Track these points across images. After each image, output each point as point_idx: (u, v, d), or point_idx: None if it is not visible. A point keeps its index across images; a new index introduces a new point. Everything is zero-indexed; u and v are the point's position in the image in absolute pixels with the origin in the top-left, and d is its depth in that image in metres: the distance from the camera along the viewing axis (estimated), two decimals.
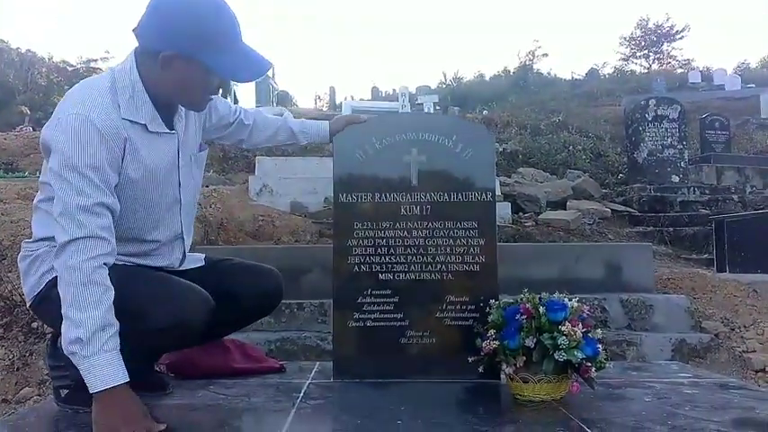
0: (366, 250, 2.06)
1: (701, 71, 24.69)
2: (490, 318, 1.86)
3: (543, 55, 30.25)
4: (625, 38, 32.72)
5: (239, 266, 2.00)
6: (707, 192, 8.75)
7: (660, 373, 2.22)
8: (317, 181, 6.33)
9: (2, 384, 2.92)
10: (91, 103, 1.54)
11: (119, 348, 1.44)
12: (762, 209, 7.39)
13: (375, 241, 2.06)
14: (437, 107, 17.76)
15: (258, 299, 1.97)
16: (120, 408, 1.41)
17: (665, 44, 31.79)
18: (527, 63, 28.44)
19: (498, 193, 6.65)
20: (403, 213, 2.08)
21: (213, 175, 7.63)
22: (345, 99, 22.38)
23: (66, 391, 1.70)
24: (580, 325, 1.71)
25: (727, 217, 6.09)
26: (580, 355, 1.67)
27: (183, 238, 1.84)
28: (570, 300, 1.77)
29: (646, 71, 29.01)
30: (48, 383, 2.81)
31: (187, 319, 1.63)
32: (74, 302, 1.43)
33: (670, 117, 9.24)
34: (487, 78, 29.73)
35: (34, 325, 3.14)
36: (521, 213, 6.98)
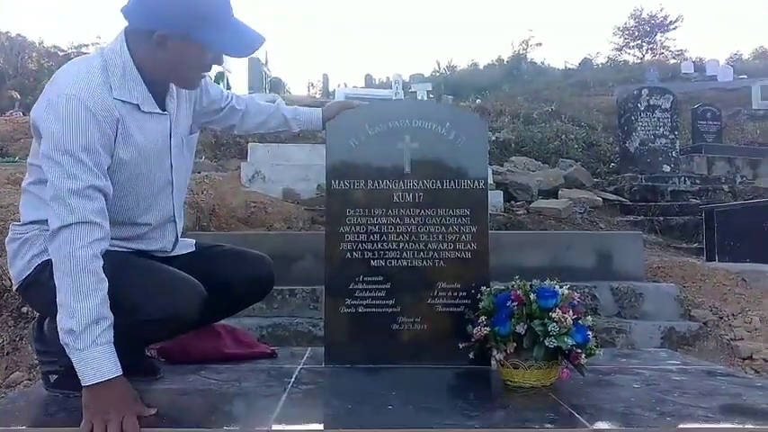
0: (358, 237, 2.06)
1: (693, 62, 24.71)
2: (481, 304, 1.86)
3: (537, 44, 30.18)
4: (618, 28, 32.77)
5: (230, 252, 1.99)
6: (698, 181, 8.80)
7: (649, 360, 2.25)
8: (309, 168, 6.31)
9: None
10: (82, 83, 1.52)
11: (112, 341, 1.43)
12: (751, 199, 7.44)
13: (367, 228, 2.06)
14: (430, 95, 17.69)
15: (249, 285, 1.97)
16: (111, 394, 1.40)
17: (659, 34, 31.82)
18: (521, 52, 28.40)
19: (490, 181, 6.67)
20: (395, 200, 2.08)
21: (205, 162, 7.59)
22: (339, 86, 22.27)
23: (55, 377, 1.69)
24: (570, 312, 1.72)
25: (717, 206, 6.14)
26: (570, 341, 1.68)
27: (175, 221, 1.83)
28: (561, 287, 1.78)
29: (639, 61, 29.03)
30: (38, 368, 2.80)
31: (180, 312, 1.62)
32: (68, 292, 1.42)
33: (662, 107, 9.27)
34: (481, 67, 29.66)
35: (24, 309, 3.12)
36: (512, 202, 7.00)
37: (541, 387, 1.75)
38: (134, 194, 1.67)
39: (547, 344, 1.67)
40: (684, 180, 8.73)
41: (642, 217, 7.33)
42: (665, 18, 31.58)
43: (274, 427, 1.42)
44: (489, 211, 2.27)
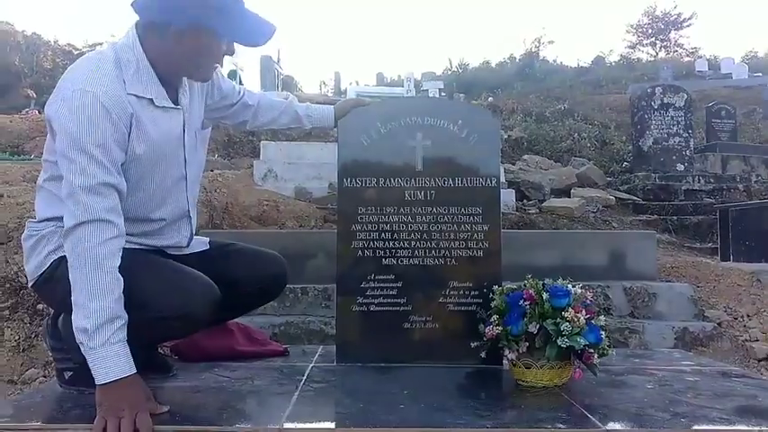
0: (370, 235, 2.06)
1: (708, 60, 24.44)
2: (493, 303, 1.86)
3: (549, 42, 30.07)
4: (632, 25, 32.45)
5: (244, 251, 2.00)
6: (712, 181, 8.71)
7: (663, 360, 2.23)
8: (321, 167, 6.32)
9: (8, 365, 2.94)
10: (96, 78, 1.52)
11: (126, 339, 1.44)
12: (767, 198, 7.35)
13: (379, 226, 2.06)
14: (442, 93, 17.64)
15: (263, 284, 1.98)
16: (124, 392, 1.41)
17: (673, 32, 31.50)
18: (533, 50, 28.26)
19: (502, 180, 6.63)
20: (407, 198, 2.07)
21: (218, 160, 7.62)
22: (350, 85, 22.30)
23: (69, 373, 1.71)
24: (583, 311, 1.71)
25: (731, 206, 6.07)
26: (583, 341, 1.67)
27: (189, 216, 1.84)
28: (573, 286, 1.77)
29: (652, 59, 28.75)
30: (53, 365, 2.83)
31: (193, 311, 1.63)
32: (82, 290, 1.43)
33: (676, 105, 9.18)
34: (493, 65, 29.50)
35: (39, 306, 3.15)
36: (525, 201, 6.97)
37: (554, 387, 1.74)
38: (148, 189, 1.67)
39: (559, 343, 1.67)
40: (698, 179, 8.64)
41: (655, 216, 7.27)
42: (679, 15, 31.27)
43: (286, 425, 1.43)
44: (501, 210, 2.26)
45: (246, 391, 1.72)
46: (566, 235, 4.97)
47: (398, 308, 2.05)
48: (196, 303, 1.63)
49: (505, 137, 10.04)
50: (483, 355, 1.89)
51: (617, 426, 1.47)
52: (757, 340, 3.49)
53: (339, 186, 2.12)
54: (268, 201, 5.45)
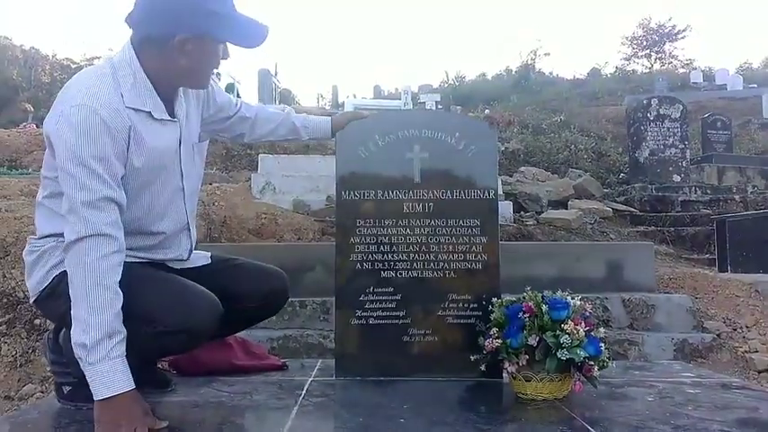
0: (368, 248, 2.05)
1: (702, 71, 24.57)
2: (492, 316, 1.85)
3: (545, 54, 30.31)
4: (627, 37, 32.61)
5: (246, 266, 1.99)
6: (708, 192, 8.75)
7: (662, 372, 2.22)
8: (319, 179, 6.33)
9: (5, 381, 2.92)
10: (93, 93, 1.52)
11: (125, 355, 1.43)
12: (763, 209, 7.38)
13: (377, 239, 2.06)
14: (439, 106, 17.70)
15: (264, 299, 1.96)
16: (123, 408, 1.41)
17: (667, 44, 31.67)
18: (529, 62, 28.36)
19: (500, 192, 6.65)
20: (405, 211, 2.07)
21: (216, 173, 7.64)
22: (348, 98, 22.34)
23: (68, 388, 1.70)
24: (583, 323, 1.71)
25: (728, 217, 6.09)
26: (583, 353, 1.67)
27: (189, 229, 1.84)
28: (573, 298, 1.77)
29: (647, 71, 28.92)
30: (50, 380, 2.81)
31: (196, 325, 1.62)
32: (81, 305, 1.42)
33: (672, 116, 9.24)
34: (489, 77, 29.67)
35: (37, 321, 3.14)
36: (522, 212, 6.99)
37: (554, 400, 1.74)
38: (147, 202, 1.67)
39: (559, 356, 1.66)
40: (695, 190, 8.68)
41: (653, 227, 7.29)
42: (674, 27, 31.44)
43: None
44: (499, 222, 2.26)
45: (245, 406, 1.71)
46: (564, 247, 4.97)
47: (397, 321, 2.04)
48: (199, 317, 1.62)
49: (502, 149, 10.08)
50: (483, 368, 1.88)
51: None
52: (757, 351, 3.48)
53: (337, 199, 2.12)
54: (266, 214, 5.45)
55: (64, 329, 1.69)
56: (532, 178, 8.95)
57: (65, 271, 1.50)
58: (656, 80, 20.24)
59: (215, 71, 1.79)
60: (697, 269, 5.17)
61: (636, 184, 8.83)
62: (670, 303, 3.65)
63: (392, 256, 2.06)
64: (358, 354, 2.05)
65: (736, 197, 8.49)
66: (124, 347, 1.44)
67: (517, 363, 1.73)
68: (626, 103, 15.04)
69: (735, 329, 3.70)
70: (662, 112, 9.24)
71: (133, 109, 1.58)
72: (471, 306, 2.03)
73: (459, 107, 17.65)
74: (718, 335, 3.56)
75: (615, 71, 28.02)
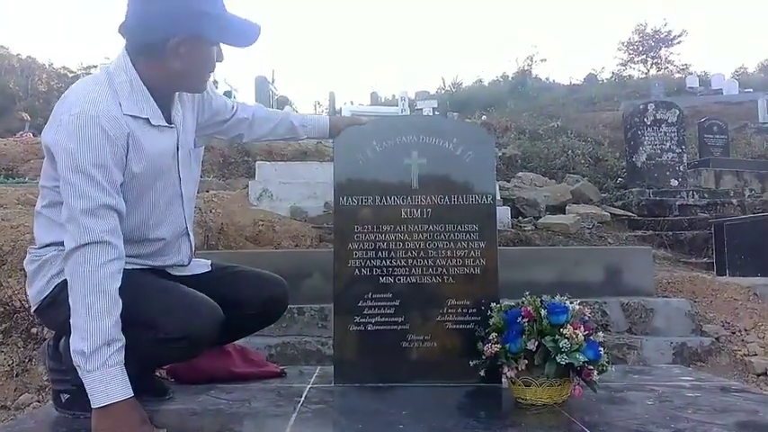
0: (367, 254, 2.05)
1: (698, 76, 24.67)
2: (491, 321, 1.85)
3: (542, 60, 30.31)
4: (623, 43, 32.78)
5: (246, 273, 1.99)
6: (706, 196, 8.76)
7: (662, 376, 2.22)
8: (316, 186, 6.33)
9: (1, 390, 2.91)
10: (91, 101, 1.53)
11: (123, 363, 1.43)
12: (760, 212, 7.39)
13: (376, 245, 2.05)
14: (436, 112, 17.74)
15: (264, 306, 1.96)
16: (121, 415, 1.40)
17: (663, 49, 31.83)
18: (525, 68, 28.48)
19: (498, 197, 6.66)
20: (404, 216, 2.07)
21: (213, 180, 7.63)
22: (345, 104, 22.39)
23: (66, 396, 1.69)
24: (582, 328, 1.71)
25: (726, 220, 6.10)
26: (582, 357, 1.66)
27: (188, 234, 1.83)
28: (571, 303, 1.77)
29: (644, 76, 29.03)
30: (47, 390, 2.80)
31: (198, 331, 1.61)
32: (80, 313, 1.42)
33: (669, 121, 9.26)
34: (486, 84, 29.70)
35: (34, 330, 3.13)
36: (520, 218, 6.99)
37: (553, 404, 1.73)
38: (145, 209, 1.67)
39: (558, 360, 1.66)
40: (692, 194, 8.68)
41: (651, 232, 7.29)
42: (669, 33, 31.60)
43: None
44: (497, 227, 2.26)
45: (244, 414, 1.71)
46: (562, 251, 4.97)
47: (396, 327, 2.03)
48: (200, 323, 1.62)
49: (500, 154, 10.10)
50: (482, 373, 1.88)
51: None
52: (756, 354, 3.48)
53: (335, 205, 2.12)
54: (263, 221, 5.45)
55: (64, 337, 1.68)
56: (530, 183, 8.96)
57: (65, 280, 1.50)
58: (652, 85, 20.29)
59: (211, 75, 1.79)
60: (695, 273, 5.18)
61: (633, 189, 8.84)
62: (669, 307, 3.65)
63: (390, 262, 2.05)
64: (357, 360, 2.05)
65: (734, 201, 8.50)
66: (123, 355, 1.43)
67: (516, 367, 1.73)
68: (623, 108, 15.09)
69: (733, 333, 3.71)
70: (659, 117, 9.26)
71: (131, 116, 1.59)
72: (470, 311, 2.02)
73: (456, 113, 17.67)
74: (716, 338, 3.57)
75: (612, 77, 28.11)
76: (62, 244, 1.50)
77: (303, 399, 1.84)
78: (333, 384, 2.02)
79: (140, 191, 1.64)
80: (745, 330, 3.73)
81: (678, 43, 31.66)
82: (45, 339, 2.70)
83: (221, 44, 1.69)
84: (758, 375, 3.33)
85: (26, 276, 1.71)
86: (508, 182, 8.66)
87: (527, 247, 5.62)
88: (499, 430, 1.59)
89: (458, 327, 2.03)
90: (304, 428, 1.59)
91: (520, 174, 9.54)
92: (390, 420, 1.61)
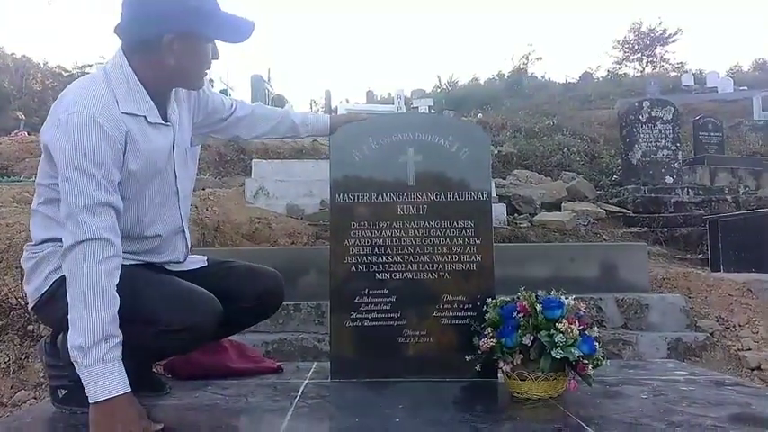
0: (363, 250, 2.06)
1: (693, 74, 24.73)
2: (487, 316, 1.86)
3: (537, 59, 30.46)
4: (618, 42, 32.88)
5: (241, 268, 2.00)
6: (701, 192, 8.80)
7: (656, 370, 2.24)
8: (313, 183, 6.34)
9: None
10: (89, 99, 1.54)
11: (120, 358, 1.43)
12: (755, 209, 7.42)
13: (372, 241, 2.06)
14: (432, 110, 17.78)
15: (258, 299, 1.96)
16: (118, 410, 1.40)
17: (658, 47, 31.92)
18: (521, 67, 28.54)
19: (493, 194, 6.67)
20: (400, 213, 2.08)
21: (209, 178, 7.63)
22: (341, 102, 22.38)
23: (64, 391, 1.69)
24: (577, 322, 1.72)
25: (721, 217, 6.13)
26: (577, 352, 1.68)
27: (184, 231, 1.84)
28: (566, 297, 1.78)
29: (639, 74, 29.11)
30: (44, 387, 2.80)
31: (199, 323, 1.63)
32: (78, 308, 1.42)
33: (664, 119, 9.28)
34: (482, 82, 29.74)
35: (30, 328, 3.13)
36: (516, 215, 7.00)
37: (549, 398, 1.74)
38: (142, 206, 1.68)
39: (554, 355, 1.67)
40: (687, 191, 8.72)
41: (646, 228, 7.32)
42: (665, 31, 31.71)
43: None
44: (493, 224, 2.27)
45: (241, 409, 1.71)
46: (557, 248, 4.99)
47: (392, 322, 2.04)
48: (201, 315, 1.63)
49: (495, 152, 10.10)
50: (478, 368, 1.89)
51: None
52: (749, 349, 3.51)
53: (332, 202, 2.12)
54: (260, 218, 5.46)
55: (62, 333, 1.68)
56: (526, 181, 8.97)
57: (63, 276, 1.51)
58: (647, 83, 20.36)
59: (207, 74, 1.80)
60: (690, 269, 5.19)
61: (629, 186, 8.86)
62: (664, 303, 3.67)
63: (387, 259, 2.06)
64: (353, 356, 2.06)
65: (728, 198, 8.54)
66: (120, 351, 1.44)
67: (512, 362, 1.74)
68: (618, 106, 15.10)
69: (728, 328, 3.73)
70: (654, 115, 9.27)
71: (128, 114, 1.60)
72: (466, 307, 2.04)
73: (452, 111, 17.70)
74: (711, 333, 3.58)
75: (607, 75, 28.19)
76: (59, 240, 1.51)
77: (300, 394, 1.85)
78: (329, 380, 2.03)
79: (137, 188, 1.65)
80: (740, 325, 3.75)
81: (673, 42, 31.82)
82: (42, 337, 2.71)
83: (215, 41, 1.70)
84: (752, 369, 3.35)
85: (23, 274, 1.72)
86: (504, 179, 8.67)
87: (523, 243, 5.63)
88: (495, 424, 1.60)
89: (454, 322, 2.04)
90: (301, 423, 1.59)
91: (516, 171, 9.55)
92: (387, 415, 1.62)
